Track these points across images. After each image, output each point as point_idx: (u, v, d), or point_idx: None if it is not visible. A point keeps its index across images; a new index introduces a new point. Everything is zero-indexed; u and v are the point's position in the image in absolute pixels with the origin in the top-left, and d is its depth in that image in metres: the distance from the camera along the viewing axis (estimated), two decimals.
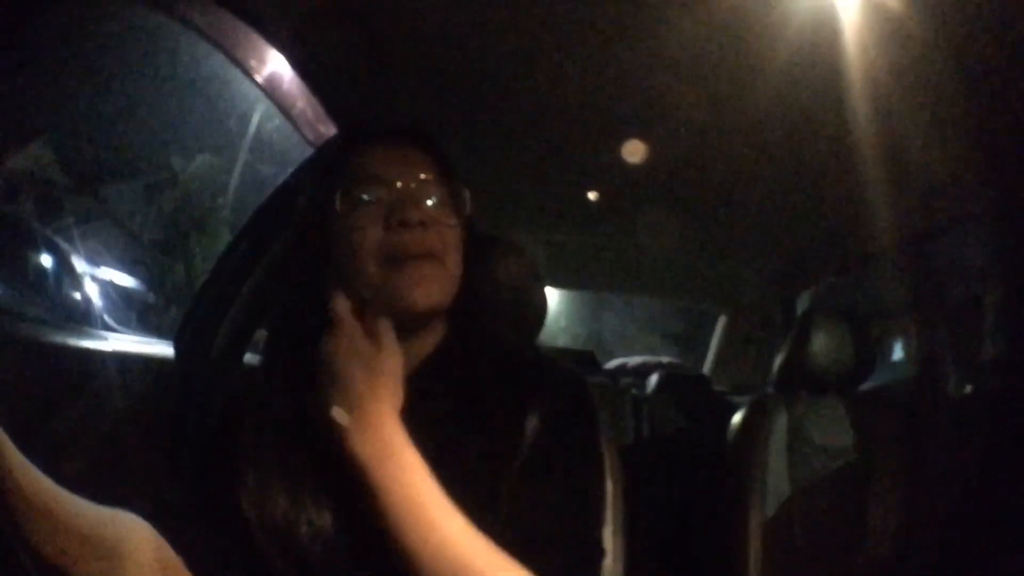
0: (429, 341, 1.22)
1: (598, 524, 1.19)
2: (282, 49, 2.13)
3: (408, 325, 1.16)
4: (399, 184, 1.18)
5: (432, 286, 1.15)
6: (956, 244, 2.86)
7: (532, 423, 1.13)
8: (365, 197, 1.17)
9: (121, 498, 0.95)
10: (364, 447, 1.01)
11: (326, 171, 1.25)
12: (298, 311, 1.20)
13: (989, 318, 2.77)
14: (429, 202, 1.20)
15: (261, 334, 2.45)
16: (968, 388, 2.80)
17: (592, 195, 3.13)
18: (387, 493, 0.98)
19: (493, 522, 1.02)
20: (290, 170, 2.42)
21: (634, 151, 2.57)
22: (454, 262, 1.21)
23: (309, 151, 2.41)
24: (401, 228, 1.14)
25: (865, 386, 2.80)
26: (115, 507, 0.94)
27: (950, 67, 1.89)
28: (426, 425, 1.08)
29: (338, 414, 1.05)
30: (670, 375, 3.90)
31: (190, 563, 0.99)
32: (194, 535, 1.02)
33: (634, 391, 3.68)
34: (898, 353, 3.55)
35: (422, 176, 1.21)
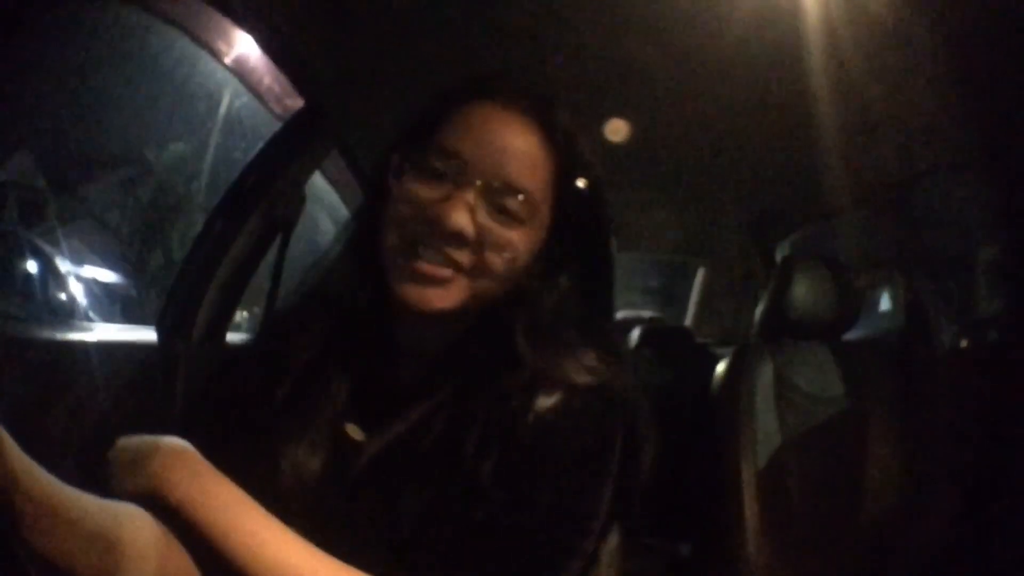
0: (458, 328, 1.10)
1: (591, 534, 1.03)
2: (246, 27, 2.12)
3: (423, 319, 1.06)
4: (467, 174, 1.03)
5: (441, 292, 1.03)
6: (939, 193, 2.86)
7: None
8: (426, 168, 1.04)
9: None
10: (177, 489, 0.91)
11: (418, 121, 1.11)
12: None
13: (982, 270, 2.78)
14: (501, 213, 1.04)
15: (242, 315, 2.46)
16: (962, 343, 2.82)
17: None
18: (211, 525, 0.90)
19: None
20: (259, 146, 2.41)
21: (616, 129, 2.56)
22: (493, 283, 1.06)
23: (277, 126, 2.41)
24: (433, 227, 1.02)
25: (853, 336, 2.81)
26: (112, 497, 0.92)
27: (926, 11, 1.90)
28: (433, 411, 1.05)
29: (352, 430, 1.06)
30: (651, 329, 3.90)
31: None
32: None
33: None
34: (885, 304, 3.56)
35: (510, 179, 1.04)
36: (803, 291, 2.62)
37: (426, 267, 1.02)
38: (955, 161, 2.60)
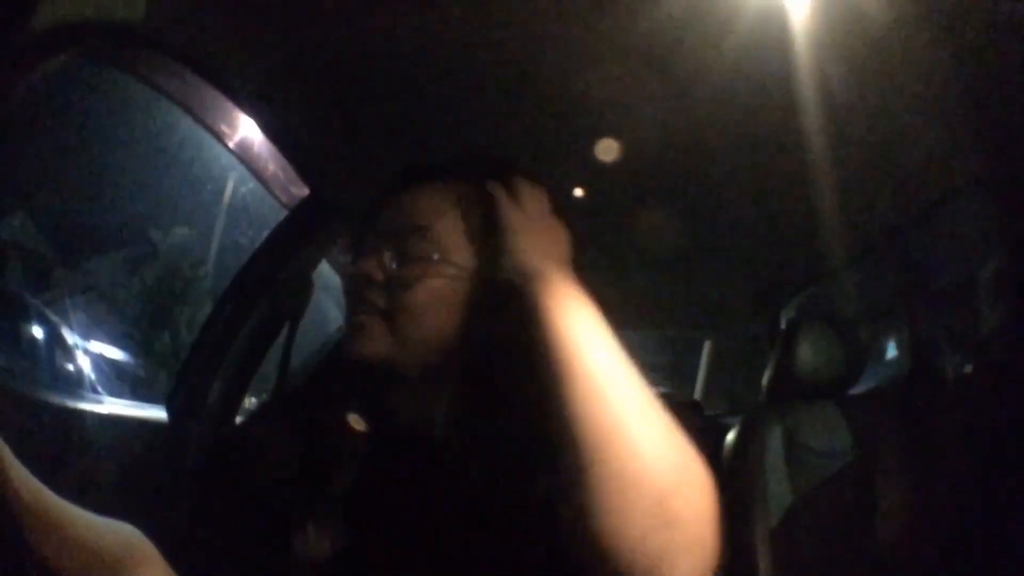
0: (440, 397, 1.10)
1: None
2: (250, 113, 2.15)
3: (387, 382, 1.12)
4: (381, 233, 1.13)
5: (367, 339, 1.08)
6: (936, 228, 2.87)
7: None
8: (358, 245, 1.15)
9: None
10: (549, 299, 0.99)
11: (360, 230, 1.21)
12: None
13: (983, 295, 2.77)
14: (405, 256, 1.11)
15: (250, 401, 2.47)
16: (966, 368, 2.80)
17: (578, 192, 3.10)
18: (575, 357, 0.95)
19: None
20: (266, 234, 2.43)
21: (607, 148, 2.57)
22: (412, 322, 1.09)
23: (283, 214, 2.43)
24: (349, 284, 1.12)
25: (861, 388, 2.81)
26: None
27: (917, 52, 1.91)
28: (439, 492, 1.06)
29: (355, 421, 1.08)
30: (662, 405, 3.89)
31: None
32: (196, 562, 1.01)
33: None
34: (891, 352, 3.55)
35: (411, 222, 1.12)
36: (809, 352, 2.62)
37: (354, 318, 1.10)
38: (953, 190, 2.60)
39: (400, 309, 1.09)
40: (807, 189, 2.46)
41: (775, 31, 1.82)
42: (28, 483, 0.82)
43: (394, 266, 1.11)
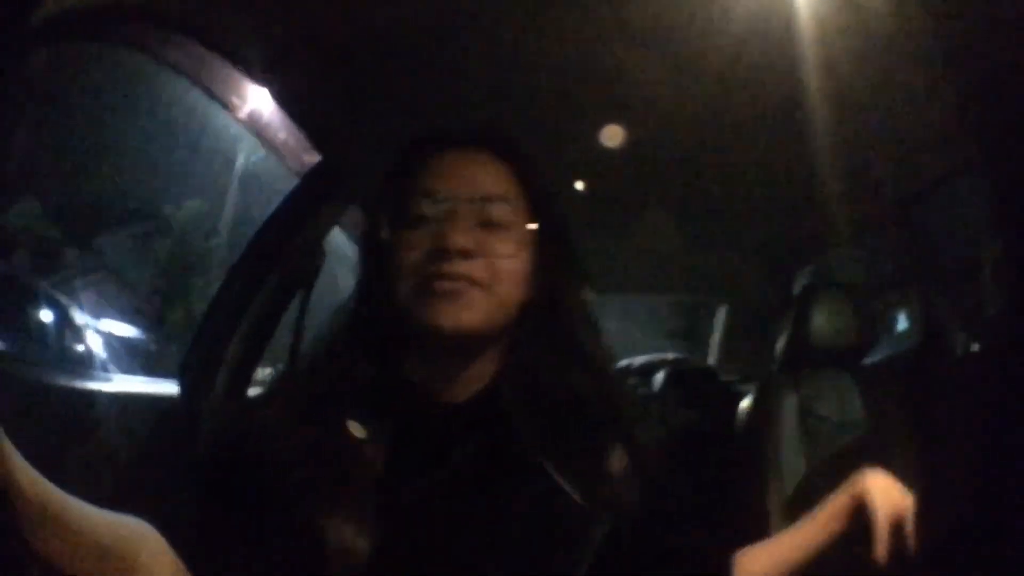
0: (486, 370, 1.12)
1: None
2: (261, 82, 2.14)
3: (452, 350, 1.10)
4: (453, 201, 1.08)
5: (464, 306, 1.06)
6: (948, 202, 2.85)
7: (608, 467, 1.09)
8: (414, 215, 1.09)
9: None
10: None
11: (385, 187, 1.16)
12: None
13: (987, 277, 2.76)
14: (489, 224, 1.10)
15: (264, 372, 2.46)
16: (975, 346, 2.79)
17: (579, 185, 3.12)
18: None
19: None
20: (276, 201, 2.42)
21: (612, 135, 2.57)
22: (506, 290, 1.10)
23: (295, 181, 2.42)
24: (440, 256, 1.05)
25: (875, 358, 2.80)
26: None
27: (926, 23, 1.89)
28: (467, 466, 1.07)
29: (354, 428, 1.05)
30: (676, 371, 3.90)
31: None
32: (207, 556, 0.99)
33: (641, 391, 3.67)
34: (903, 323, 3.53)
35: (486, 191, 1.11)
36: (823, 320, 2.61)
37: (444, 285, 1.05)
38: (960, 167, 2.59)
39: (498, 278, 1.08)
40: (822, 153, 2.46)
41: (783, 6, 1.84)
42: (31, 478, 0.79)
43: (482, 234, 1.09)
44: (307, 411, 1.09)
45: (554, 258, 1.16)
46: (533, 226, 1.13)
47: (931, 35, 1.89)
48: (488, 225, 1.09)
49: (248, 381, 2.37)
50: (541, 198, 1.16)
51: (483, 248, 1.07)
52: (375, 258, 1.13)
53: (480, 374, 1.13)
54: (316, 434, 1.07)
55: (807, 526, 1.22)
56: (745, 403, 2.73)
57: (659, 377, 3.84)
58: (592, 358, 1.15)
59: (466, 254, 1.05)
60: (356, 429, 1.07)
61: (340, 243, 2.61)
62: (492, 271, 1.08)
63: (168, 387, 2.37)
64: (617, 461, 1.10)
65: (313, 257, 2.35)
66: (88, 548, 0.84)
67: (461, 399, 1.12)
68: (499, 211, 1.10)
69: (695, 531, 1.15)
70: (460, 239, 1.05)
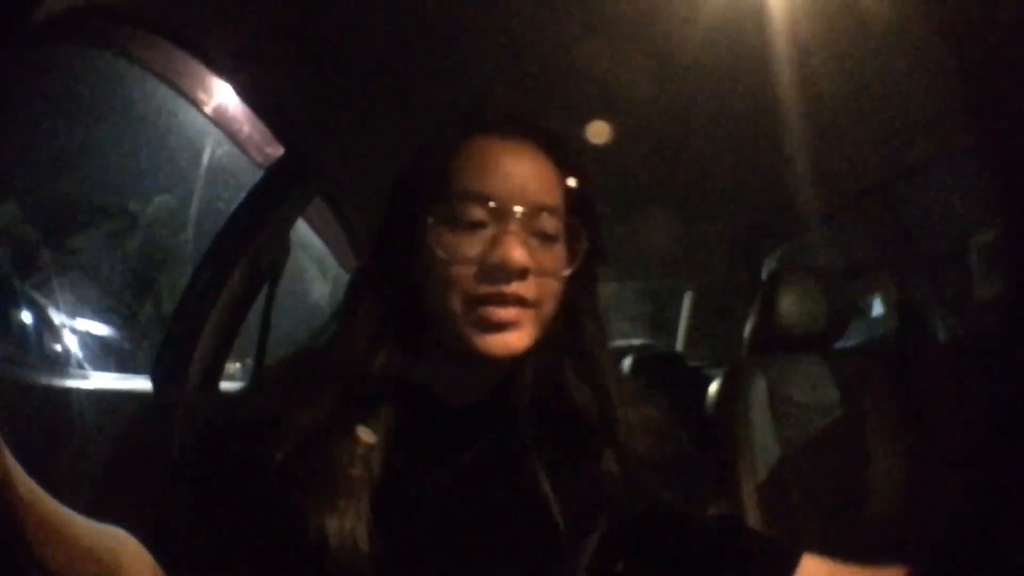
0: (496, 373, 1.10)
1: None
2: (225, 76, 2.14)
3: (481, 366, 1.06)
4: (510, 209, 1.03)
5: (516, 334, 1.03)
6: (924, 188, 2.86)
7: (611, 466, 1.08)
8: (465, 218, 1.03)
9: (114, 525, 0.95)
10: None
11: (422, 181, 1.09)
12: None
13: (976, 264, 2.77)
14: (542, 237, 1.06)
15: (234, 366, 2.46)
16: (957, 332, 2.80)
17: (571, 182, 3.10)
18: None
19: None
20: (242, 195, 2.42)
21: (599, 132, 2.57)
22: (549, 307, 1.07)
23: (260, 174, 2.42)
24: (498, 273, 1.01)
25: (847, 343, 2.81)
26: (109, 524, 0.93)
27: (909, 6, 1.90)
28: (470, 465, 1.06)
29: (363, 432, 1.04)
30: (643, 356, 3.91)
31: None
32: (183, 561, 0.99)
33: None
34: (878, 308, 3.55)
35: (541, 199, 1.06)
36: (791, 303, 2.61)
37: (501, 313, 1.02)
38: (938, 153, 2.60)
39: (543, 297, 1.06)
40: (792, 137, 2.46)
41: None
42: (28, 486, 0.80)
43: (536, 249, 1.05)
44: (307, 406, 1.05)
45: (585, 270, 1.12)
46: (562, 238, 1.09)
47: (915, 18, 1.90)
48: (539, 236, 1.06)
49: (219, 374, 2.37)
50: (585, 206, 1.13)
51: (537, 265, 1.04)
52: (403, 255, 1.09)
53: (490, 378, 1.11)
54: (318, 431, 1.04)
55: None
56: (713, 387, 2.73)
57: (626, 363, 3.85)
58: (599, 370, 1.13)
59: (523, 274, 1.02)
60: (365, 434, 1.05)
61: (305, 235, 2.61)
62: (541, 289, 1.05)
63: (143, 383, 2.37)
64: (609, 467, 1.09)
65: (279, 249, 2.35)
66: (81, 553, 0.85)
67: (469, 401, 1.11)
68: (547, 224, 1.06)
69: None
70: (519, 256, 1.01)
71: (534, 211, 1.04)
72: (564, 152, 1.12)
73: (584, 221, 1.11)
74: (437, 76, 2.19)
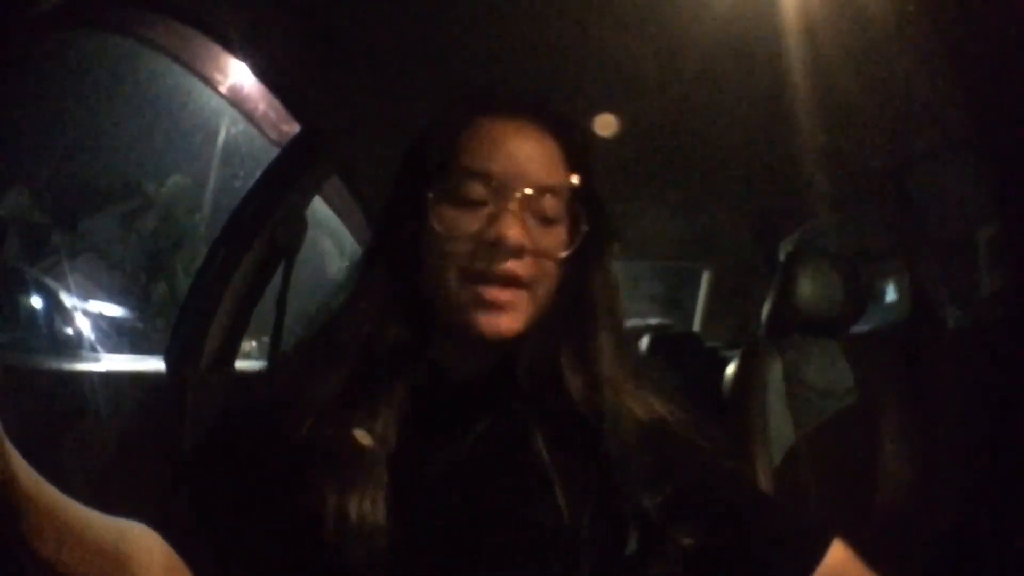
0: (500, 347, 1.08)
1: None
2: (239, 54, 2.13)
3: (479, 345, 1.05)
4: (510, 188, 1.03)
5: (509, 316, 1.03)
6: (937, 175, 2.84)
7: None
8: (465, 196, 1.03)
9: (126, 510, 0.95)
10: None
11: (427, 157, 1.08)
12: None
13: (983, 250, 2.75)
14: (542, 219, 1.05)
15: (250, 344, 2.46)
16: (967, 321, 2.79)
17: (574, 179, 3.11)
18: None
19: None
20: (258, 173, 2.41)
21: (606, 124, 2.56)
22: (547, 290, 1.07)
23: (275, 153, 2.41)
24: (493, 250, 1.01)
25: (862, 328, 2.79)
26: (121, 516, 0.92)
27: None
28: (479, 441, 1.06)
29: (361, 436, 1.02)
30: (659, 336, 3.90)
31: (196, 571, 0.97)
32: (198, 544, 0.99)
33: None
34: (891, 294, 3.53)
35: (544, 180, 1.05)
36: (808, 287, 2.60)
37: (495, 293, 1.02)
38: (950, 142, 2.58)
39: (540, 277, 1.05)
40: (809, 122, 2.45)
41: None
42: (32, 479, 0.79)
43: (534, 229, 1.04)
44: (321, 385, 1.05)
45: (588, 255, 1.11)
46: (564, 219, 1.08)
47: (915, 13, 1.89)
48: (540, 218, 1.05)
49: (234, 353, 2.37)
50: (589, 189, 1.11)
51: (534, 245, 1.03)
52: (410, 231, 1.08)
53: (490, 356, 1.10)
54: (333, 410, 1.04)
55: None
56: (730, 369, 2.72)
57: (643, 342, 3.84)
58: (595, 358, 1.10)
59: (519, 252, 1.02)
60: (363, 437, 1.02)
61: (322, 212, 2.61)
62: (537, 269, 1.04)
63: (156, 364, 2.37)
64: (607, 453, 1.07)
65: (296, 227, 2.34)
66: (86, 548, 0.84)
67: (476, 378, 1.10)
68: (549, 204, 1.05)
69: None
70: (516, 235, 1.01)
71: (535, 192, 1.04)
72: (571, 135, 1.11)
73: (586, 205, 1.10)
74: (452, 53, 2.18)
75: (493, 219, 1.02)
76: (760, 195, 3.46)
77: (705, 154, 2.96)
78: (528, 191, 1.03)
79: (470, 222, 1.03)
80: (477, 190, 1.03)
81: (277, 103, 2.30)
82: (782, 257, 3.56)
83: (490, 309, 1.02)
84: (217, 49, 2.08)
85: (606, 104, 2.51)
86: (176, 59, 2.15)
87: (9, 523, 0.77)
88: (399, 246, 1.09)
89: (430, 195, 1.04)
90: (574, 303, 1.11)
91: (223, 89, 2.30)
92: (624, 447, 1.06)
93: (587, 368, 1.09)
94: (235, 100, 2.35)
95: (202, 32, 2.01)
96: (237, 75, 2.25)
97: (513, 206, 1.02)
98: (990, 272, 2.69)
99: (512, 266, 1.01)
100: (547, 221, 1.05)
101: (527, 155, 1.05)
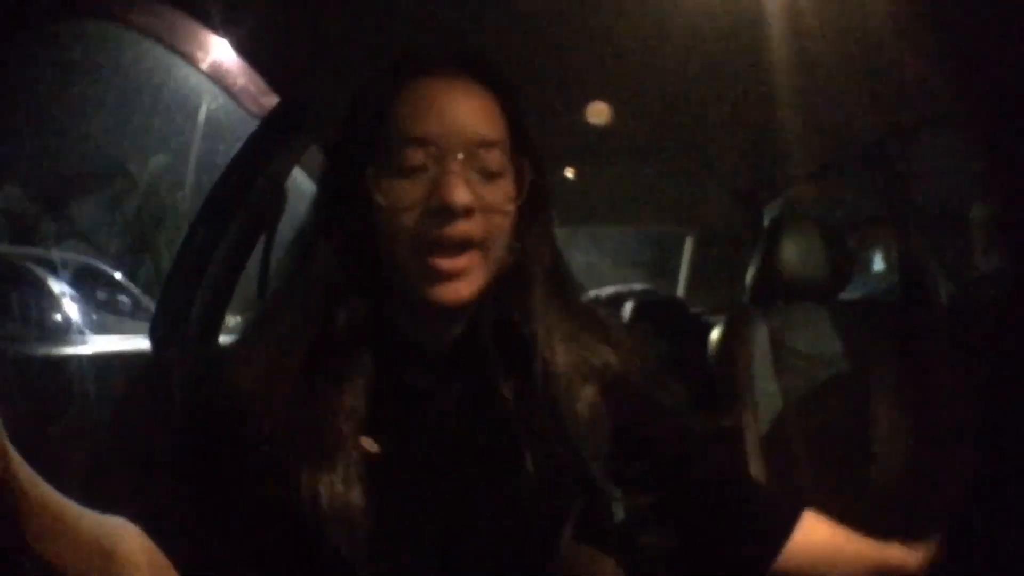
0: (465, 313, 1.10)
1: None
2: (221, 31, 2.11)
3: (443, 314, 1.07)
4: (448, 150, 1.02)
5: (465, 282, 1.03)
6: (927, 146, 2.84)
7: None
8: (405, 163, 1.02)
9: (111, 501, 0.95)
10: None
11: (361, 128, 1.07)
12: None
13: (976, 234, 2.75)
14: (486, 174, 1.05)
15: (235, 320, 2.46)
16: (960, 296, 2.79)
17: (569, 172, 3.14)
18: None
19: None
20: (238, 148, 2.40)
21: (599, 112, 2.55)
22: (501, 247, 1.07)
23: (255, 125, 2.40)
24: (441, 215, 1.00)
25: (850, 295, 2.79)
26: (107, 511, 0.93)
27: None
28: (452, 410, 1.08)
29: (367, 443, 1.03)
30: (644, 302, 3.91)
31: (178, 565, 0.97)
32: (183, 536, 0.99)
33: None
34: (879, 263, 3.54)
35: (482, 135, 1.05)
36: (793, 252, 2.60)
37: (449, 263, 1.02)
38: (941, 114, 2.58)
39: (492, 235, 1.05)
40: (795, 89, 2.45)
41: None
42: (30, 477, 0.80)
43: (480, 186, 1.04)
44: (282, 375, 1.04)
45: (536, 204, 1.12)
46: (508, 173, 1.08)
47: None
48: (484, 173, 1.05)
49: (218, 328, 2.37)
50: (527, 138, 1.12)
51: (481, 202, 1.03)
52: (354, 204, 1.06)
53: (453, 322, 1.11)
54: (300, 395, 1.03)
55: (876, 551, 1.16)
56: (715, 334, 2.73)
57: (627, 308, 3.85)
58: (534, 315, 1.11)
59: (468, 212, 1.01)
60: (368, 444, 1.04)
61: (301, 183, 2.59)
62: (488, 227, 1.04)
63: (144, 343, 2.36)
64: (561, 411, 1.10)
65: (276, 198, 2.34)
66: (79, 546, 0.85)
67: (442, 344, 1.11)
68: (493, 159, 1.05)
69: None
70: (461, 195, 1.00)
71: (474, 149, 1.03)
72: (503, 84, 1.11)
73: (527, 154, 1.10)
74: (433, 24, 2.16)
75: (436, 184, 1.01)
76: (745, 160, 3.45)
77: (690, 120, 2.95)
78: (466, 149, 1.03)
79: (414, 190, 1.02)
80: (416, 156, 1.02)
81: (256, 76, 2.29)
82: (766, 223, 3.57)
83: (447, 279, 1.02)
84: (193, 24, 2.07)
85: (592, 76, 2.51)
86: (157, 39, 2.13)
87: (8, 522, 0.77)
88: (344, 223, 1.08)
89: (370, 170, 1.03)
90: (521, 261, 1.12)
91: (204, 66, 2.28)
92: (581, 404, 1.09)
93: (530, 324, 1.11)
94: (215, 75, 2.33)
95: (177, 7, 1.99)
96: (218, 51, 2.24)
97: (455, 167, 1.01)
98: (986, 250, 2.69)
99: (463, 228, 1.01)
100: (491, 175, 1.05)
101: (461, 112, 1.05)
